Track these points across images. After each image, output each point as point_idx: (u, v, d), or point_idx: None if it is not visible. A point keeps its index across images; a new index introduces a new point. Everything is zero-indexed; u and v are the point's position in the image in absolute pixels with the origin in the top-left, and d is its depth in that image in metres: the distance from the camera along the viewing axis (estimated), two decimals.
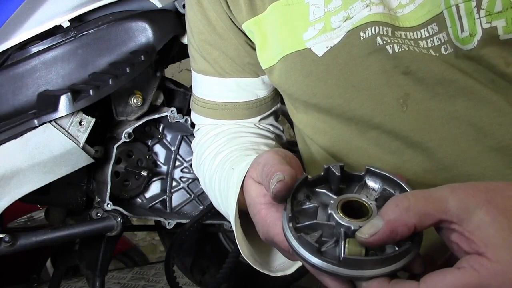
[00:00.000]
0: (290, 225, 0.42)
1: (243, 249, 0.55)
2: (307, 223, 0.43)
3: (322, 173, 0.46)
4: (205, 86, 0.79)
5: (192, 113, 0.84)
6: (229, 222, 0.68)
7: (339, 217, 0.40)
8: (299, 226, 0.42)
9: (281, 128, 0.84)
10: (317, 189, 0.46)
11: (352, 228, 0.40)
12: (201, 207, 1.29)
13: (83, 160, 1.00)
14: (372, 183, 0.45)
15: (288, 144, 0.88)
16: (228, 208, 0.61)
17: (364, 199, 0.42)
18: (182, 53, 1.22)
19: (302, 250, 0.41)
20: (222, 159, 0.68)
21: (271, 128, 0.81)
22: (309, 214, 0.44)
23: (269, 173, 0.46)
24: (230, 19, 0.71)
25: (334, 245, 0.41)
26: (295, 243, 0.41)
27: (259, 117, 0.79)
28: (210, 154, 0.73)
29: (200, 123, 0.82)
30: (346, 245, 0.39)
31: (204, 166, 0.74)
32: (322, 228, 0.42)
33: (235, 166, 0.62)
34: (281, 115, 0.94)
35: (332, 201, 0.43)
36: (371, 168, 0.45)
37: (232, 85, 0.76)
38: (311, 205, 0.44)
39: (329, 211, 0.42)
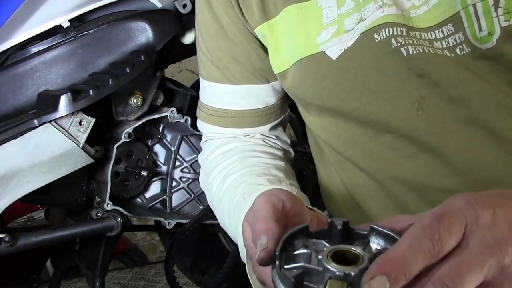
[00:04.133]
0: (277, 262, 0.41)
1: (253, 281, 0.54)
2: (294, 265, 0.42)
3: (325, 227, 0.46)
4: (214, 93, 0.77)
5: (199, 121, 0.83)
6: None
7: (327, 262, 0.40)
8: (287, 267, 0.42)
9: (289, 142, 0.82)
10: (316, 240, 0.45)
11: (337, 273, 0.39)
12: (201, 207, 1.29)
13: (83, 160, 1.00)
14: (375, 242, 0.44)
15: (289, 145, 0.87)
16: (237, 237, 0.61)
17: (357, 250, 0.42)
18: (182, 53, 1.22)
19: (281, 286, 0.40)
20: (232, 183, 0.67)
21: (279, 143, 0.80)
22: (301, 259, 0.44)
23: (255, 231, 0.46)
24: (243, 23, 0.71)
25: None
26: (276, 279, 0.41)
27: (268, 126, 0.78)
28: (219, 175, 0.72)
29: (207, 131, 0.81)
30: (326, 285, 0.39)
31: (212, 187, 0.73)
32: (310, 272, 0.41)
33: (246, 196, 0.60)
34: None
35: (325, 249, 0.42)
36: (375, 227, 0.44)
37: (242, 92, 0.75)
38: (305, 251, 0.44)
39: (319, 257, 0.41)
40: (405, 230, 0.40)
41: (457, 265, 0.36)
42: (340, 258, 0.41)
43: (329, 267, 0.40)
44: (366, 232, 0.45)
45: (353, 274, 0.39)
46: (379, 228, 0.43)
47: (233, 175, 0.68)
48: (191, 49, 1.20)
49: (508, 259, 0.36)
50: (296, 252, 0.44)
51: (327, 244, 0.44)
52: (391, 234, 0.42)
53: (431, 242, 0.36)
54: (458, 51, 0.56)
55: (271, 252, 0.43)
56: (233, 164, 0.71)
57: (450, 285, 0.35)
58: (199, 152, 1.29)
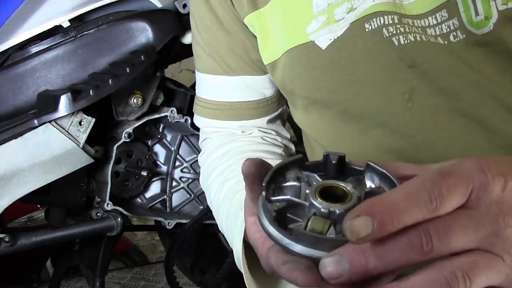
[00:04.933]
0: (264, 193, 0.40)
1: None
2: (280, 197, 0.41)
3: (321, 160, 0.44)
4: (211, 86, 0.77)
5: (195, 116, 0.82)
6: None
7: (313, 197, 0.38)
8: (273, 198, 0.41)
9: (289, 137, 0.82)
10: (308, 173, 0.44)
11: (321, 209, 0.37)
12: (201, 207, 1.29)
13: (83, 160, 1.00)
14: (370, 180, 0.42)
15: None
16: (233, 245, 0.60)
17: (347, 187, 0.39)
18: (182, 53, 1.22)
19: (263, 217, 0.39)
20: (229, 190, 0.67)
21: (279, 139, 0.79)
22: (290, 191, 0.42)
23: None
24: (235, 13, 0.70)
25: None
26: (260, 210, 0.40)
27: (265, 118, 0.77)
28: (217, 179, 0.71)
29: (204, 125, 0.80)
30: (309, 222, 0.37)
31: (211, 190, 0.73)
32: (296, 206, 0.40)
33: (243, 205, 0.61)
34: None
35: (314, 183, 0.41)
36: (371, 164, 0.42)
37: (239, 83, 0.74)
38: (295, 183, 0.42)
39: (307, 191, 0.40)
40: (405, 178, 0.38)
41: (450, 221, 0.33)
42: (329, 194, 0.39)
43: (314, 202, 0.38)
44: (362, 169, 0.43)
45: (337, 212, 0.37)
46: (375, 166, 0.42)
47: (230, 180, 0.68)
48: (191, 49, 1.20)
49: (510, 231, 0.34)
50: (286, 184, 0.43)
51: (319, 178, 0.43)
52: (387, 173, 0.41)
53: (429, 195, 0.33)
54: (451, 38, 0.55)
55: (257, 162, 0.42)
56: (231, 168, 0.70)
57: (434, 237, 0.32)
58: (199, 152, 1.30)
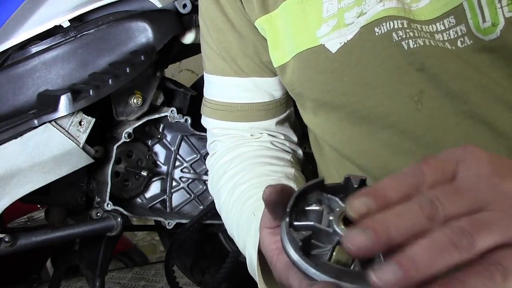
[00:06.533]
0: (287, 219, 0.40)
1: None
2: (304, 223, 0.41)
3: (342, 182, 0.44)
4: (220, 87, 0.77)
5: (203, 118, 0.82)
6: None
7: (337, 225, 0.39)
8: (296, 224, 0.41)
9: (296, 140, 0.82)
10: (330, 196, 0.44)
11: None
12: (201, 207, 1.29)
13: (83, 160, 1.00)
14: None
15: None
16: (245, 250, 0.61)
17: None
18: (182, 53, 1.22)
19: (288, 245, 0.39)
20: (240, 195, 0.67)
21: (287, 144, 0.79)
22: (313, 216, 0.42)
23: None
24: (245, 16, 0.71)
25: (327, 253, 0.39)
26: (284, 237, 0.40)
27: (274, 120, 0.77)
28: (227, 184, 0.72)
29: (212, 126, 0.80)
30: (334, 252, 0.38)
31: (220, 196, 0.73)
32: (319, 232, 0.40)
33: (256, 212, 0.60)
34: None
35: (338, 209, 0.41)
36: None
37: (249, 84, 0.75)
38: (318, 208, 0.42)
39: (330, 218, 0.40)
40: None
41: (443, 188, 0.36)
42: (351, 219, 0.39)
43: (339, 231, 0.39)
44: None
45: None
46: None
47: (241, 186, 0.68)
48: (191, 49, 1.20)
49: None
50: (308, 208, 0.43)
51: (340, 202, 0.43)
52: None
53: (414, 175, 0.37)
54: (459, 43, 0.56)
55: (279, 189, 0.42)
56: (242, 173, 0.70)
57: (438, 201, 0.35)
58: (199, 152, 1.30)
